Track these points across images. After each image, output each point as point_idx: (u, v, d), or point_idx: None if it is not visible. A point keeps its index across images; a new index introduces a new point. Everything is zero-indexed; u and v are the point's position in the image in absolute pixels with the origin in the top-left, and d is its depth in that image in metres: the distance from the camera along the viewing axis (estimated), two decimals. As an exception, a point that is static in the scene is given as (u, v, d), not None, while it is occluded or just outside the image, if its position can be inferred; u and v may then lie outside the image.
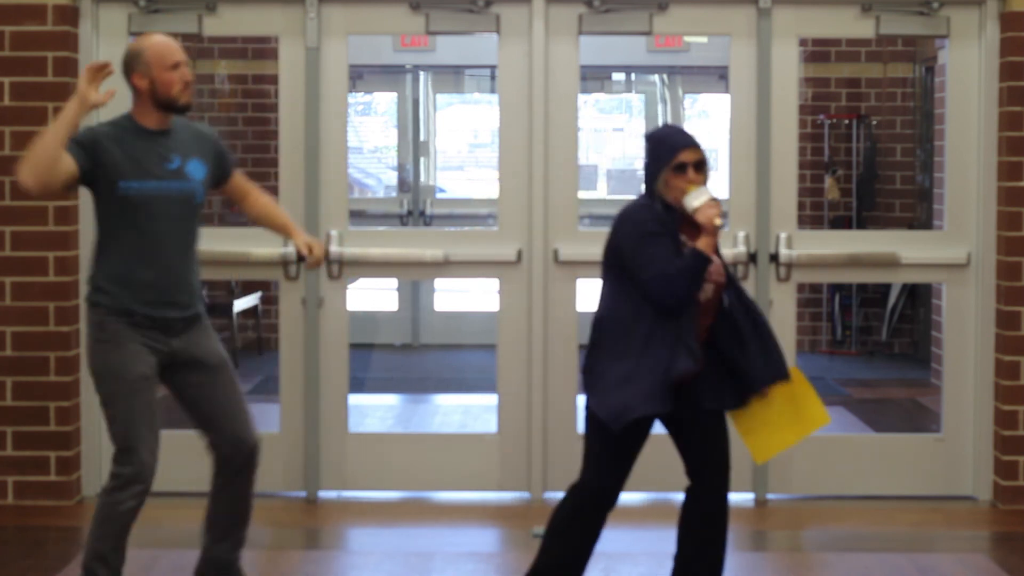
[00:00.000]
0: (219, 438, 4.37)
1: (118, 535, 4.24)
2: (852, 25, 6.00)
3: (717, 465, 4.22)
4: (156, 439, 4.27)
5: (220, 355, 4.42)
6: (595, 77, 11.34)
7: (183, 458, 6.02)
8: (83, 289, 4.45)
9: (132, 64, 4.25)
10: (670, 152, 4.11)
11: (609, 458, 4.15)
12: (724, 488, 4.23)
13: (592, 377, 4.16)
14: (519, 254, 5.97)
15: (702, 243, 4.03)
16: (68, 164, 4.10)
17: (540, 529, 5.18)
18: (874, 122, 10.04)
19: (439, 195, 11.84)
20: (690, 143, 4.13)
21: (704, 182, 4.12)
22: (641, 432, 4.15)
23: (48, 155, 4.04)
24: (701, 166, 4.12)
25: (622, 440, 4.12)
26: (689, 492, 4.25)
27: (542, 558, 4.24)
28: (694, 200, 4.04)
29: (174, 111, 4.29)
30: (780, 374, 4.21)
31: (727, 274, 4.18)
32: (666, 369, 4.02)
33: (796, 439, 4.28)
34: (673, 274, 4.01)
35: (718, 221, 4.02)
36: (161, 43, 4.27)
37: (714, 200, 4.04)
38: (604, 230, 4.25)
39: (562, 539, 4.21)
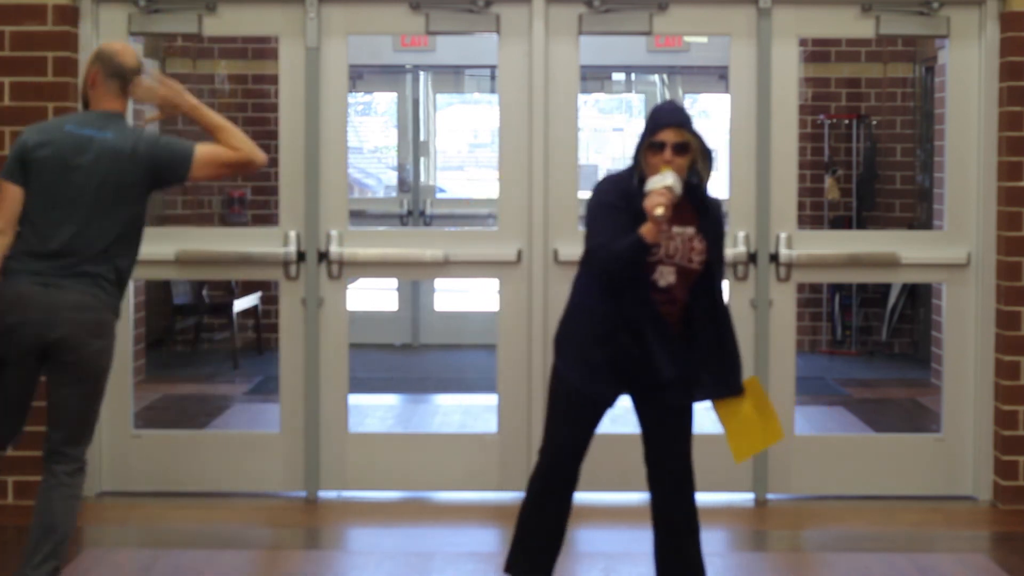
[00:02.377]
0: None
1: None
2: (852, 25, 6.00)
3: (674, 459, 4.20)
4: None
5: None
6: (595, 77, 11.34)
7: (183, 458, 6.03)
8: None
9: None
10: (651, 128, 4.06)
11: (560, 427, 4.21)
12: (678, 483, 4.21)
13: (557, 338, 4.26)
14: (519, 254, 5.97)
15: (645, 228, 3.96)
16: None
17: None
18: (874, 122, 10.04)
19: (439, 195, 11.84)
20: (673, 122, 4.03)
21: (685, 165, 4.03)
22: (594, 407, 4.17)
23: None
24: (683, 148, 4.03)
25: (572, 411, 4.18)
26: (650, 487, 4.28)
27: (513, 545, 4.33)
28: (653, 183, 3.97)
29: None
30: (726, 391, 4.16)
31: (706, 268, 4.09)
32: (601, 353, 4.08)
33: (759, 448, 4.26)
34: (613, 249, 3.98)
35: (659, 211, 3.90)
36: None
37: (667, 188, 3.94)
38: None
39: (525, 520, 4.28)
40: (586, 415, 4.21)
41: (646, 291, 4.05)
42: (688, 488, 4.24)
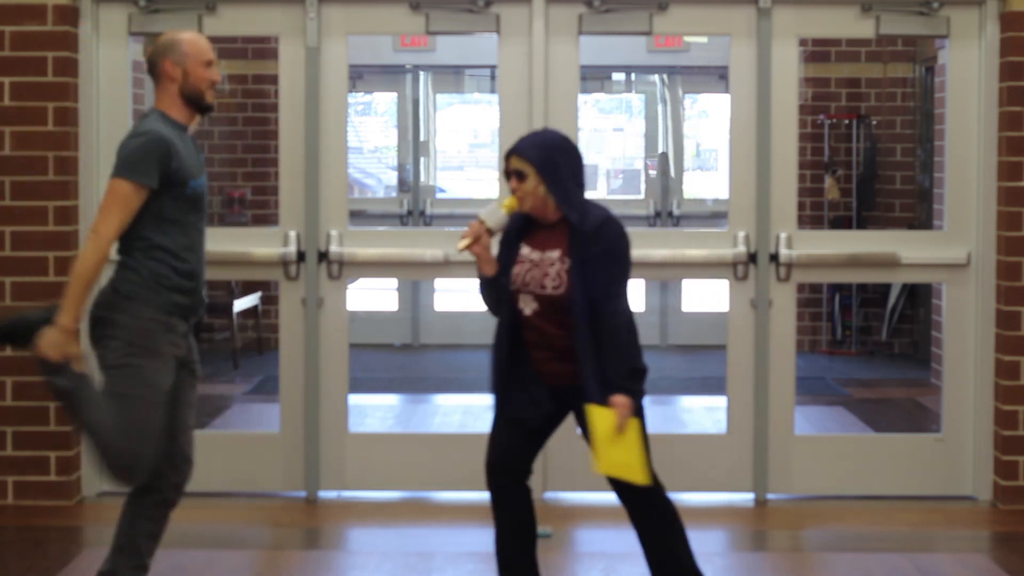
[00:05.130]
0: (173, 448, 4.28)
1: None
2: (852, 25, 6.00)
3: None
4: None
5: (197, 362, 4.38)
6: (595, 77, 11.34)
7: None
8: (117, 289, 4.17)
9: (165, 52, 4.17)
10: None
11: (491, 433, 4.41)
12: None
13: None
14: (519, 254, 5.97)
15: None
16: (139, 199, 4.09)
17: (546, 529, 5.20)
18: (874, 122, 10.04)
19: (439, 195, 11.84)
20: (513, 151, 4.05)
21: (530, 190, 4.00)
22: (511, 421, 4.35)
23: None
24: (519, 175, 4.02)
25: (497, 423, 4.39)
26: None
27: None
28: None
29: (198, 109, 4.23)
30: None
31: (573, 292, 3.98)
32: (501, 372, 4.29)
33: (616, 473, 4.09)
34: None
35: (459, 245, 4.05)
36: (198, 38, 4.26)
37: (479, 220, 4.02)
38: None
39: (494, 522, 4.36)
40: (504, 427, 4.36)
41: (512, 320, 4.18)
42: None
